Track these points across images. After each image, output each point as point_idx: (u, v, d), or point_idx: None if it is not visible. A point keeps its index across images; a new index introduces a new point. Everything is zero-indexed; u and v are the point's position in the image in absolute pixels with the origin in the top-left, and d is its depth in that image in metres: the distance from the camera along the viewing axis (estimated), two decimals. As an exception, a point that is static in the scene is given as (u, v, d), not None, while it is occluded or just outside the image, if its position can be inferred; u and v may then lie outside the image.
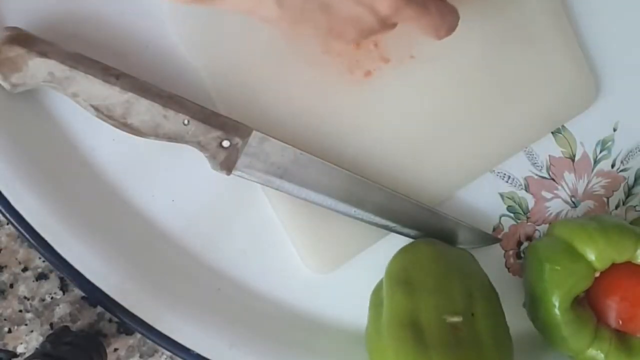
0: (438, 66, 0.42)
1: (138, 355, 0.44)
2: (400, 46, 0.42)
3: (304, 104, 0.41)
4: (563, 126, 0.46)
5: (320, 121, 0.42)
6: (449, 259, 0.40)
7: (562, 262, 0.38)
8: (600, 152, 0.47)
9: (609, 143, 0.47)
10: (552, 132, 0.46)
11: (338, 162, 0.41)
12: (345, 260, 0.43)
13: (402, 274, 0.39)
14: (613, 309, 0.39)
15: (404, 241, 0.42)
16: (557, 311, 0.38)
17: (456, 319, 0.37)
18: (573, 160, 0.46)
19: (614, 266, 0.38)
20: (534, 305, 0.41)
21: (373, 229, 0.42)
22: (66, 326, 0.43)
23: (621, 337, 0.39)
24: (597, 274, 0.39)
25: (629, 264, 0.38)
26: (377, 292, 0.41)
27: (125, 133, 0.40)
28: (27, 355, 0.42)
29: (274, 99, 0.41)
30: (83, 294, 0.43)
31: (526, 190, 0.46)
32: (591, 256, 0.38)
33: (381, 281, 0.41)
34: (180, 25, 0.40)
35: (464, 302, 0.38)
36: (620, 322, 0.39)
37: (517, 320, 0.41)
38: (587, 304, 0.40)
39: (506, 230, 0.46)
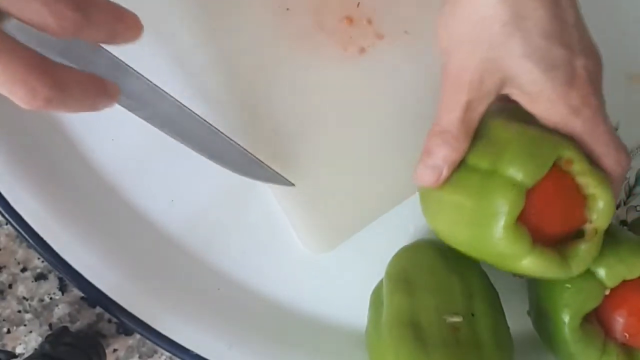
0: (433, 41, 0.42)
1: (137, 355, 0.44)
2: (394, 22, 0.42)
3: (297, 81, 0.41)
4: (564, 126, 0.46)
5: (314, 99, 0.41)
6: (448, 258, 0.40)
7: (572, 280, 0.38)
8: (601, 152, 0.47)
9: (610, 143, 0.47)
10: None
11: (333, 139, 0.41)
12: (343, 239, 0.43)
13: (402, 273, 0.39)
14: (620, 324, 0.38)
15: (404, 240, 0.43)
16: (566, 330, 0.37)
17: (456, 319, 0.36)
18: (574, 160, 0.46)
19: (623, 281, 0.38)
20: (541, 319, 0.40)
21: (371, 207, 0.42)
22: (65, 327, 0.43)
23: (628, 351, 0.39)
24: (607, 292, 0.38)
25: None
26: (377, 292, 0.41)
27: (125, 134, 0.40)
28: (26, 355, 0.42)
29: (266, 76, 0.41)
30: (82, 295, 0.43)
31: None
32: (601, 274, 0.37)
33: (381, 281, 0.41)
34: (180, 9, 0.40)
35: (464, 302, 0.37)
36: (627, 336, 0.38)
37: (517, 320, 0.41)
38: (595, 319, 0.39)
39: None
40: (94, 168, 0.42)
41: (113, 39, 0.30)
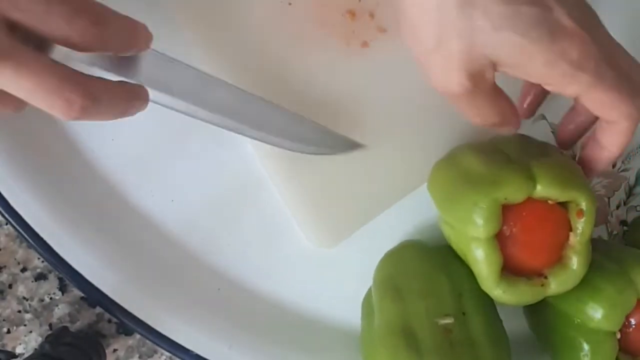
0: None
1: (137, 355, 0.44)
2: (397, 16, 0.42)
3: (299, 76, 0.41)
4: (564, 126, 0.46)
5: (317, 93, 0.41)
6: (434, 259, 0.39)
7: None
8: (601, 152, 0.47)
9: (610, 143, 0.47)
10: (552, 132, 0.46)
11: (338, 132, 0.41)
12: (349, 233, 0.43)
13: (388, 280, 0.39)
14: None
15: (394, 240, 0.43)
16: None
17: (447, 321, 0.36)
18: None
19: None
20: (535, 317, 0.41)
21: (375, 202, 0.42)
22: (65, 327, 0.43)
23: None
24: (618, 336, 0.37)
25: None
26: (367, 300, 0.41)
27: (125, 134, 0.40)
28: (26, 355, 0.42)
29: (268, 71, 0.41)
30: (82, 295, 0.43)
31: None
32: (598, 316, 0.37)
33: (370, 289, 0.41)
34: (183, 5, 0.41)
35: (454, 301, 0.37)
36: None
37: (511, 315, 0.41)
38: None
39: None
40: (94, 168, 0.41)
41: (128, 50, 0.32)
